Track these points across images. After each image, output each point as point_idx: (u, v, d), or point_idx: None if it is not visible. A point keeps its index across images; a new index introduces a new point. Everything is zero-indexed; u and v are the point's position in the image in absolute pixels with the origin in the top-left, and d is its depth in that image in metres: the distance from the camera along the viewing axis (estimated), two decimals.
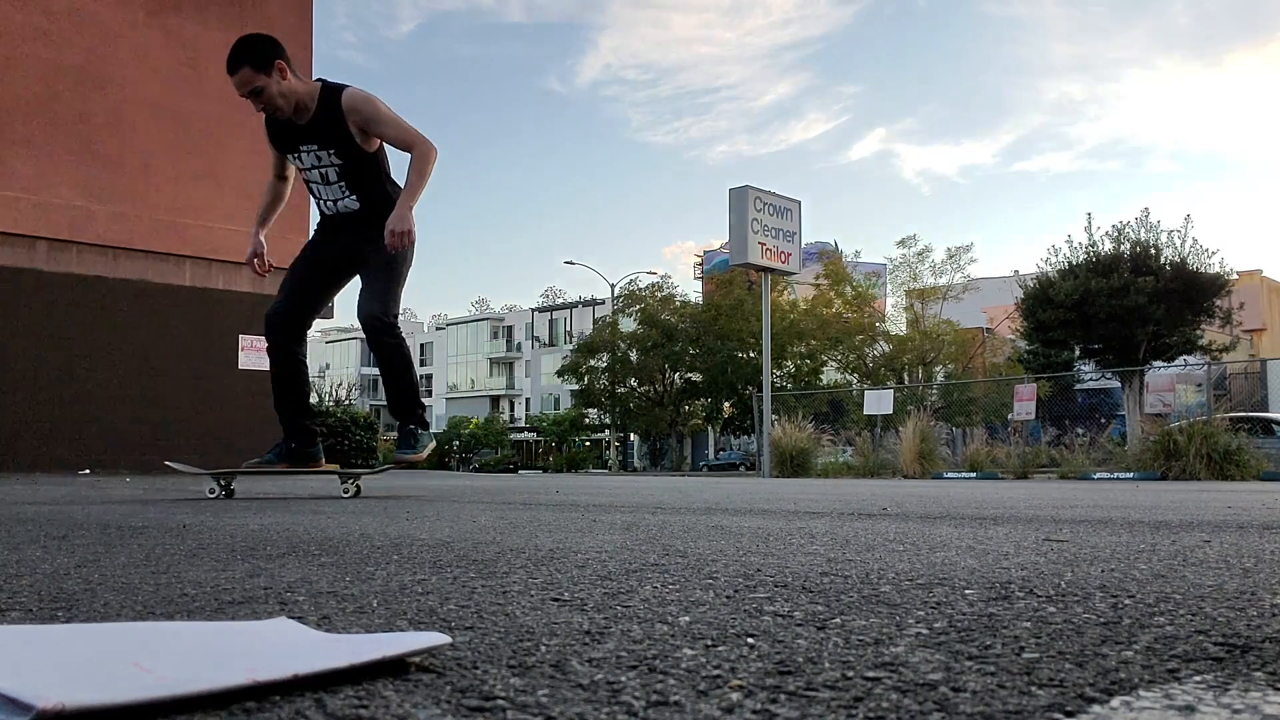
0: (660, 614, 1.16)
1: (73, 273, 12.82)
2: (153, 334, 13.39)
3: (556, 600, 1.27)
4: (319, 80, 4.59)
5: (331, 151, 4.56)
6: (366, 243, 4.64)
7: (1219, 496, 5.32)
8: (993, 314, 41.92)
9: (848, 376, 39.44)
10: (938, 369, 38.79)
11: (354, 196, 4.65)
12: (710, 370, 40.72)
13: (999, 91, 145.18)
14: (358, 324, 4.90)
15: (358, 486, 4.81)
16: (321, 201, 4.69)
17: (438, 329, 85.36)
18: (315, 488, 6.25)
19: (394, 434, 4.97)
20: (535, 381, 73.18)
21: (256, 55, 4.39)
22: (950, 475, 15.07)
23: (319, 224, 4.82)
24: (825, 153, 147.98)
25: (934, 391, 34.09)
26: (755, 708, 0.73)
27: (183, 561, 1.75)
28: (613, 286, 47.85)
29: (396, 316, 4.72)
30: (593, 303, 68.46)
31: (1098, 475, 13.47)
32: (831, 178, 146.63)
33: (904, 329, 40.26)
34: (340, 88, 4.53)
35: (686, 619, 1.12)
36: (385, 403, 4.89)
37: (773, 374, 19.11)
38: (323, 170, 4.61)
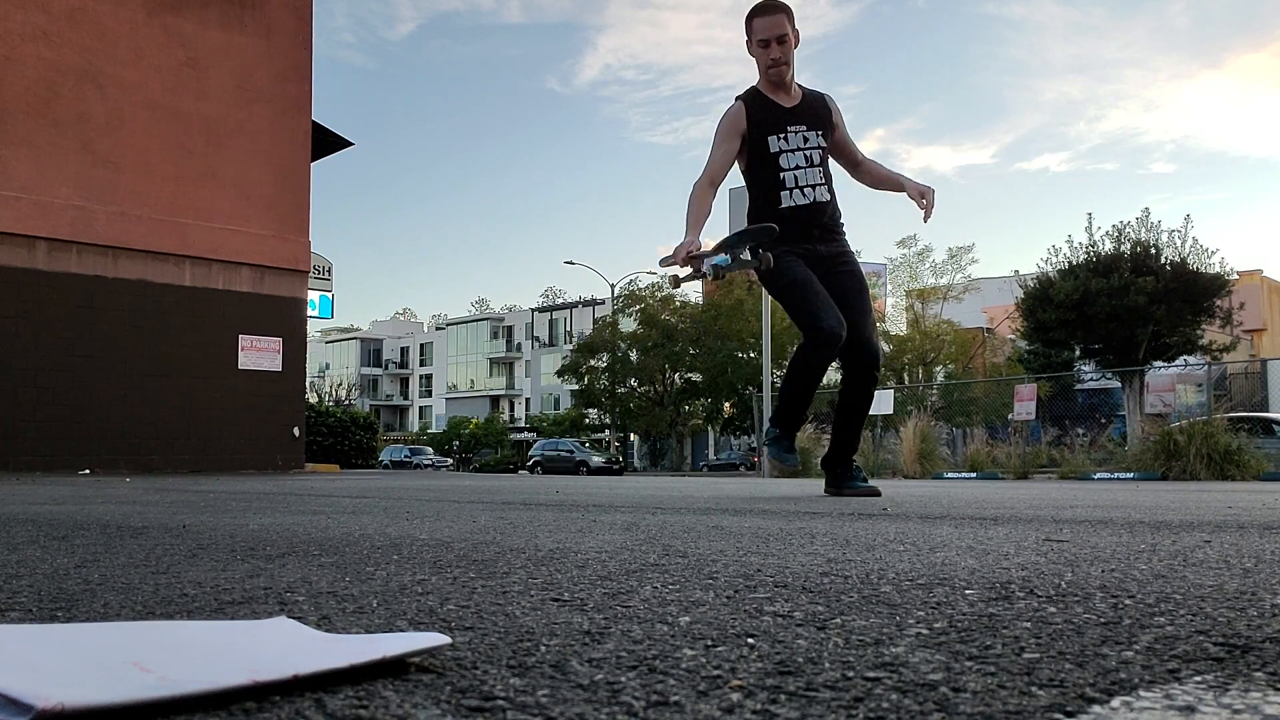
0: (660, 614, 1.16)
1: (73, 273, 12.82)
2: (153, 334, 13.40)
3: (556, 600, 1.27)
4: None
5: (820, 133, 4.59)
6: (839, 251, 4.62)
7: (1219, 496, 5.32)
8: (993, 314, 41.90)
9: None
10: (938, 369, 38.76)
11: (827, 187, 4.60)
12: (710, 370, 40.70)
13: (998, 92, 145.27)
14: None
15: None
16: (797, 190, 4.53)
17: (438, 329, 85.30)
18: (315, 487, 6.25)
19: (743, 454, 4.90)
20: (535, 381, 73.18)
21: (791, 11, 4.55)
22: (950, 475, 15.06)
23: (780, 223, 4.33)
24: None
25: (934, 391, 34.05)
26: (755, 708, 0.73)
27: (183, 561, 1.75)
28: (613, 286, 47.88)
29: None
30: (593, 303, 68.46)
31: (1098, 475, 13.46)
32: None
33: (904, 329, 40.23)
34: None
35: (686, 619, 1.12)
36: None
37: (773, 374, 19.13)
38: (808, 153, 4.56)
